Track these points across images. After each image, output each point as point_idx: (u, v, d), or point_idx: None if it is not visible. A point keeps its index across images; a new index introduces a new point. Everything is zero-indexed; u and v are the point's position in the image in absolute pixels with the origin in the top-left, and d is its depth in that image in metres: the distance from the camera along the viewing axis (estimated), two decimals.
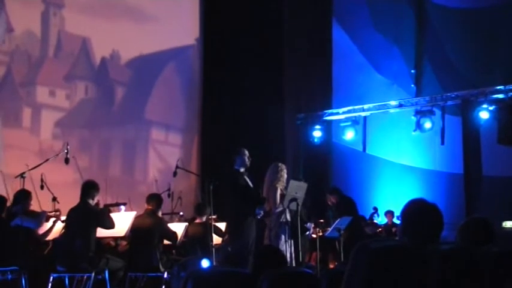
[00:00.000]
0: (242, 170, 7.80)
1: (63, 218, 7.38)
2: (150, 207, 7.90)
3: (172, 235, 7.90)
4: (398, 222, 3.91)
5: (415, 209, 2.99)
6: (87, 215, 7.06)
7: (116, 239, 8.18)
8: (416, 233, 2.91)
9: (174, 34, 12.82)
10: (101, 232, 7.25)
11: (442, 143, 11.47)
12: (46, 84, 11.19)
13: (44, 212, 7.46)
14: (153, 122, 12.59)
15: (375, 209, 12.13)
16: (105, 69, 12.02)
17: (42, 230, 7.44)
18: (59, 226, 7.41)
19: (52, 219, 7.40)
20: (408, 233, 2.94)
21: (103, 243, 8.02)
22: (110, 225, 7.16)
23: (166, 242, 8.07)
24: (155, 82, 12.64)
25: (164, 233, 7.84)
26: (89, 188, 7.19)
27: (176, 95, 13.06)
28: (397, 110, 12.27)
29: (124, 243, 8.41)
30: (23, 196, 7.30)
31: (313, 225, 9.04)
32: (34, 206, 7.72)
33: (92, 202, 7.19)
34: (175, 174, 8.36)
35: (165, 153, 12.53)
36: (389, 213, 12.09)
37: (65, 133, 11.24)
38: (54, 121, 11.20)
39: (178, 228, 8.15)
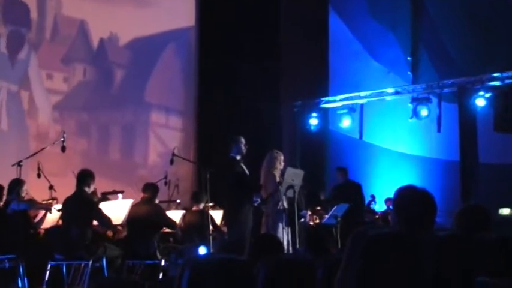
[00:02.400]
0: (238, 157, 7.80)
1: (58, 206, 7.39)
2: (146, 195, 7.90)
3: (171, 222, 7.91)
4: None
5: (404, 196, 2.98)
6: (83, 204, 7.05)
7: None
8: (408, 219, 2.90)
9: (172, 17, 12.65)
10: None
11: (439, 130, 11.47)
12: (43, 67, 11.09)
13: (36, 203, 7.52)
14: (152, 105, 12.44)
15: (372, 197, 12.15)
16: (103, 52, 11.89)
17: (37, 218, 7.47)
18: (53, 216, 7.42)
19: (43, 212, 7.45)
20: (401, 220, 2.93)
21: (100, 232, 8.01)
22: (108, 224, 7.19)
23: (164, 230, 8.09)
24: (154, 64, 12.47)
25: (163, 222, 7.85)
26: (85, 176, 7.17)
27: (176, 78, 12.90)
28: (394, 97, 12.26)
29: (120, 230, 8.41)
30: (16, 184, 7.31)
31: (309, 213, 9.05)
32: (31, 195, 7.73)
33: (88, 190, 7.18)
34: (172, 162, 8.36)
35: (165, 136, 12.39)
36: (390, 201, 12.11)
37: (63, 116, 11.18)
38: (51, 104, 11.10)
39: (175, 216, 8.16)
